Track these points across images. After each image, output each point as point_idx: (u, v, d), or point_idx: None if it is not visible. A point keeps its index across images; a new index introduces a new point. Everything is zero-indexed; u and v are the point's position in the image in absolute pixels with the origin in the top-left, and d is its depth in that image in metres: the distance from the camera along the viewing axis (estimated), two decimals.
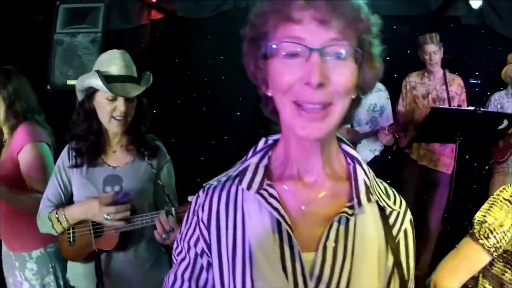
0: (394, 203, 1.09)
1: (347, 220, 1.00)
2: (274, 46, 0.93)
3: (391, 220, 1.07)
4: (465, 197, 4.14)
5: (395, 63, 4.69)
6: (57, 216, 2.18)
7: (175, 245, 1.16)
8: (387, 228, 1.05)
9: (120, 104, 2.12)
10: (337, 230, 1.00)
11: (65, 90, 3.89)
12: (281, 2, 0.92)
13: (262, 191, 1.02)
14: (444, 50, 4.41)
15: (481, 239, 1.69)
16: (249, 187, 1.03)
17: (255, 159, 1.08)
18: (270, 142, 1.12)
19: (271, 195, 1.02)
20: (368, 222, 1.04)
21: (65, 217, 2.17)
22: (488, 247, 1.68)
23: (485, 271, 1.83)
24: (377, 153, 4.13)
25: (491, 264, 1.80)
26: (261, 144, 1.12)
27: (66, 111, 3.91)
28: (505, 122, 3.42)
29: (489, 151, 4.51)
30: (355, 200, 1.01)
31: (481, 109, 3.38)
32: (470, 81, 4.64)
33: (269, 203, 1.00)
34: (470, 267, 1.73)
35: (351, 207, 1.00)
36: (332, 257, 0.98)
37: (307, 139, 0.96)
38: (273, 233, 1.00)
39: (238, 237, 1.03)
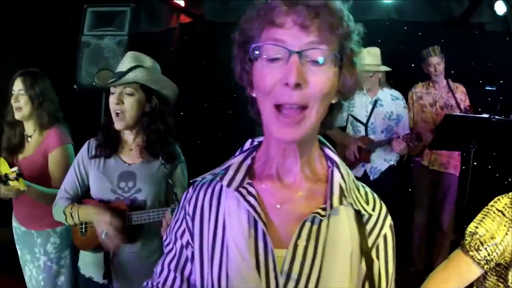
0: (373, 208, 1.11)
1: (320, 220, 1.03)
2: (257, 47, 0.98)
3: (369, 225, 1.09)
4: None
5: (418, 69, 4.70)
6: (71, 211, 2.30)
7: (164, 237, 1.22)
8: (363, 231, 1.07)
9: (113, 97, 2.25)
10: (309, 230, 1.03)
11: (91, 90, 4.01)
12: (266, 7, 0.98)
13: (241, 189, 1.07)
14: (467, 57, 4.40)
15: (472, 251, 1.62)
16: (229, 184, 1.08)
17: (239, 159, 1.13)
18: (255, 143, 1.17)
19: (250, 193, 1.06)
20: (342, 224, 1.06)
21: (78, 215, 2.29)
22: (478, 259, 1.60)
23: (479, 284, 1.77)
24: (392, 162, 4.07)
25: (484, 277, 1.74)
26: (247, 144, 1.18)
27: (90, 110, 4.08)
28: None
29: None
30: (328, 202, 1.04)
31: (495, 116, 3.30)
32: (486, 88, 4.57)
33: (247, 201, 1.05)
34: (461, 278, 1.66)
35: (324, 209, 1.03)
36: (302, 255, 1.02)
37: (283, 141, 1.01)
38: (249, 229, 1.05)
39: (218, 232, 1.08)
